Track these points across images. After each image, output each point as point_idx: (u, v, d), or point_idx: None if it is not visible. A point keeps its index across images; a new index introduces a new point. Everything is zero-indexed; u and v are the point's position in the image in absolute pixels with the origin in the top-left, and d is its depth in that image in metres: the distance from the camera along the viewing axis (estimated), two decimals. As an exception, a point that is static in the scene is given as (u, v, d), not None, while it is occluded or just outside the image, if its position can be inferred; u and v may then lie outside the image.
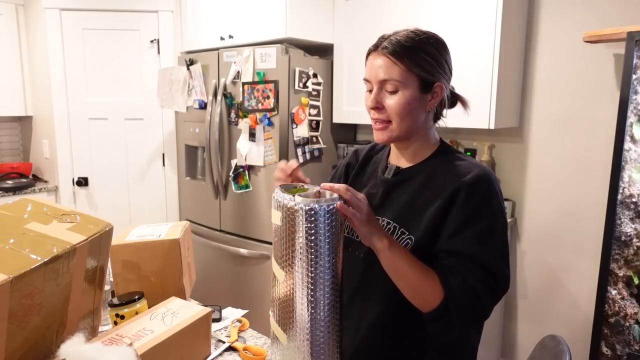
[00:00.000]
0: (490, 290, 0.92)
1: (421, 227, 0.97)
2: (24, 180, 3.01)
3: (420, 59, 0.96)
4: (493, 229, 0.94)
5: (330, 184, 0.89)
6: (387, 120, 1.00)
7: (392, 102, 0.97)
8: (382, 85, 0.98)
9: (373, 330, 1.04)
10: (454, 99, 1.08)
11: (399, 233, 1.00)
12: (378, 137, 1.02)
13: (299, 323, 0.88)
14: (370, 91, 1.01)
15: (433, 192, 0.99)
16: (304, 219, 0.84)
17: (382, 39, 1.00)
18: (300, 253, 0.86)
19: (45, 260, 0.83)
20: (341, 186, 0.88)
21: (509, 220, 2.34)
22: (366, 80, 1.01)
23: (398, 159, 1.10)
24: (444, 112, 1.08)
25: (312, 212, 0.83)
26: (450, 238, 0.94)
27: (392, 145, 1.12)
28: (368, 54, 1.02)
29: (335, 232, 0.86)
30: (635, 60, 1.79)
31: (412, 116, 0.99)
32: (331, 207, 0.84)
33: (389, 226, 1.02)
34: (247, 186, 2.56)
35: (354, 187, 1.11)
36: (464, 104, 1.08)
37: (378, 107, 0.99)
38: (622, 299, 1.85)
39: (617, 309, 1.87)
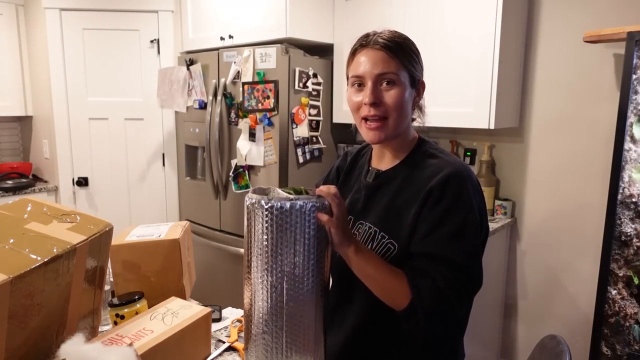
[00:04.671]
0: (460, 290, 0.93)
1: (403, 235, 0.98)
2: (24, 180, 3.01)
3: (409, 55, 1.00)
4: (463, 229, 0.94)
5: (327, 187, 0.89)
6: (383, 116, 0.98)
7: (390, 96, 0.97)
8: (377, 79, 0.98)
9: (360, 329, 1.06)
10: None
11: (379, 237, 1.01)
12: (373, 136, 1.00)
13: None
14: (358, 89, 1.00)
15: (409, 195, 1.00)
16: (258, 215, 0.85)
17: (369, 36, 1.00)
18: (258, 250, 0.87)
19: (45, 260, 0.83)
20: (331, 190, 0.88)
21: (509, 220, 2.34)
22: (356, 76, 1.00)
23: (379, 162, 1.11)
24: (419, 115, 1.11)
25: (257, 207, 0.84)
26: (422, 240, 0.95)
27: (373, 147, 1.13)
28: (354, 52, 1.02)
29: (285, 231, 0.85)
30: (635, 60, 1.79)
31: (407, 112, 1.01)
32: (278, 205, 0.84)
33: (370, 230, 1.03)
34: (247, 186, 2.56)
35: (342, 192, 1.13)
36: (421, 109, 1.11)
37: (376, 102, 0.98)
38: (622, 299, 1.85)
39: (617, 309, 1.87)
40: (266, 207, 0.84)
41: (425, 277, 0.92)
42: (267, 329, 0.89)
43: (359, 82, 1.00)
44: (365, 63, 0.98)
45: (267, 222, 0.85)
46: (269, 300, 0.88)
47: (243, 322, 0.94)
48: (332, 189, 0.89)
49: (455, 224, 0.94)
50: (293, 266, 0.86)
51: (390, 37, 0.99)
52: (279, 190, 0.93)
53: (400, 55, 0.97)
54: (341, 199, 0.89)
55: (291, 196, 0.87)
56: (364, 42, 1.00)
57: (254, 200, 0.86)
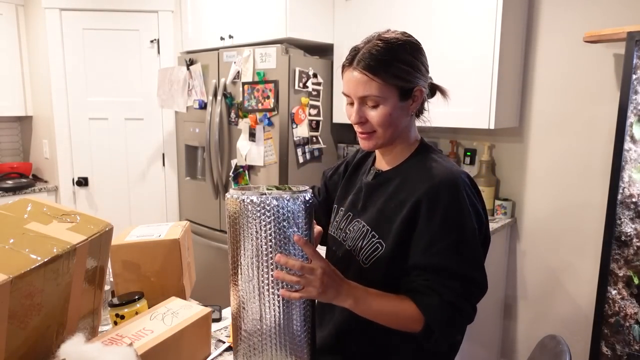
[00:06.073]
0: (470, 299, 0.94)
1: (390, 235, 0.99)
2: (24, 180, 3.01)
3: (397, 69, 0.96)
4: (464, 237, 0.94)
5: (285, 259, 0.86)
6: (371, 131, 1.01)
7: (374, 115, 0.98)
8: (362, 100, 0.99)
9: (349, 324, 1.07)
10: (433, 90, 1.08)
11: (370, 236, 1.03)
12: (364, 145, 1.04)
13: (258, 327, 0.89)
14: (351, 104, 1.02)
15: (402, 198, 1.00)
16: (245, 216, 0.85)
17: (355, 51, 0.98)
18: (244, 252, 0.87)
19: (45, 260, 0.83)
20: (296, 264, 0.86)
21: (509, 220, 2.34)
22: (346, 95, 1.02)
23: (380, 162, 1.12)
24: (426, 105, 1.09)
25: (239, 201, 0.84)
26: (423, 252, 0.95)
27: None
28: (343, 67, 1.01)
29: (266, 228, 0.84)
30: (635, 60, 1.79)
31: (396, 124, 1.01)
32: (255, 198, 0.83)
33: (363, 229, 1.05)
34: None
35: (346, 190, 1.17)
36: (443, 93, 1.09)
37: (362, 121, 1.00)
38: (622, 299, 1.85)
39: (617, 309, 1.87)
40: (264, 203, 0.84)
41: (432, 295, 0.92)
42: (256, 331, 0.88)
43: (348, 99, 1.02)
44: (349, 84, 0.99)
45: (263, 219, 0.84)
46: (257, 301, 0.87)
47: (231, 323, 0.94)
48: (318, 269, 0.87)
49: (456, 234, 0.94)
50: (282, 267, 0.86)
51: (376, 53, 0.95)
52: (264, 187, 0.93)
53: (383, 74, 0.94)
54: (323, 277, 0.87)
55: (285, 195, 0.85)
56: (349, 62, 0.99)
57: (245, 197, 0.85)
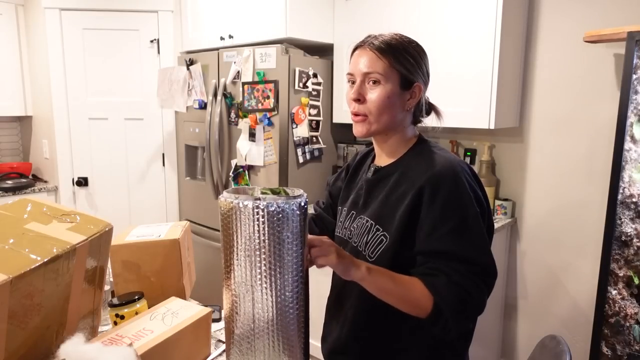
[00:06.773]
0: (478, 282, 0.94)
1: (394, 226, 1.00)
2: (23, 180, 3.01)
3: (403, 57, 1.01)
4: (466, 221, 0.95)
5: (318, 239, 0.90)
6: (366, 113, 1.03)
7: (373, 95, 1.01)
8: (365, 78, 1.02)
9: (360, 322, 1.07)
10: (429, 109, 1.12)
11: (375, 230, 1.04)
12: (357, 129, 1.06)
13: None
14: (352, 84, 1.05)
15: (404, 189, 1.02)
16: (245, 217, 0.84)
17: (368, 37, 1.04)
18: (243, 253, 0.86)
19: (45, 260, 0.83)
20: (314, 239, 0.90)
21: (509, 220, 2.34)
22: (350, 74, 1.05)
23: (379, 159, 1.14)
24: (423, 117, 1.12)
25: (244, 208, 0.83)
26: (426, 238, 0.96)
27: (375, 146, 1.16)
28: (354, 51, 1.06)
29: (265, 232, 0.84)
30: (635, 60, 1.79)
31: (391, 111, 1.02)
32: (251, 204, 0.83)
33: (367, 224, 1.06)
34: (246, 186, 2.56)
35: (348, 190, 1.19)
36: (438, 113, 1.13)
37: (359, 99, 1.02)
38: (623, 299, 1.85)
39: (617, 309, 1.87)
40: (258, 208, 0.82)
41: (440, 276, 0.93)
42: (249, 331, 0.88)
43: (352, 80, 1.05)
44: (356, 62, 1.03)
45: (256, 224, 0.83)
46: (250, 303, 0.87)
47: (224, 326, 0.93)
48: (324, 239, 0.90)
49: (456, 219, 0.95)
50: (281, 269, 0.85)
51: (387, 39, 1.01)
52: (258, 189, 0.92)
53: (390, 56, 1.00)
54: (330, 242, 0.91)
55: (279, 200, 0.84)
56: (361, 44, 1.05)
57: (238, 202, 0.83)
